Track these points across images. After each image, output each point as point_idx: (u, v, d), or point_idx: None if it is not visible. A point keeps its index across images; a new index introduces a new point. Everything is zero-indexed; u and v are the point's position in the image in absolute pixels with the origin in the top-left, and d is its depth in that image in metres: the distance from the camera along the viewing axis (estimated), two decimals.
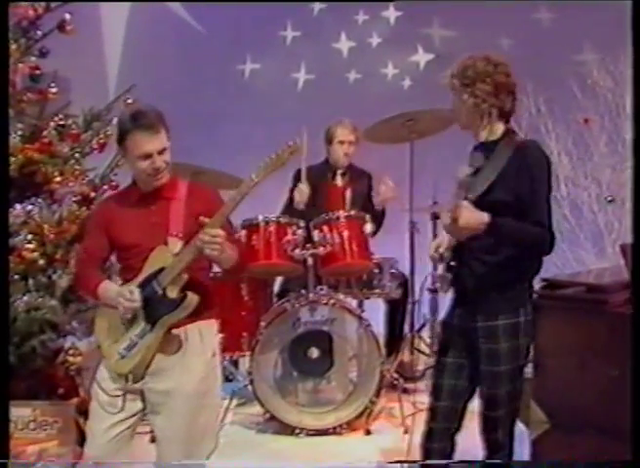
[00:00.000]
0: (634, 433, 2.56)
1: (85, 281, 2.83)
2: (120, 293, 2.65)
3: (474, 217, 2.50)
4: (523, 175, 2.56)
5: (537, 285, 3.49)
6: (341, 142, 4.65)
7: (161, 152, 2.65)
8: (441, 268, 2.69)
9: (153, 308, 2.64)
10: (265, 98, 5.70)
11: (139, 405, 2.73)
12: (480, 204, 2.53)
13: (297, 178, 4.57)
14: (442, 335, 2.83)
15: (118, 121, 2.75)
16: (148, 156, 2.64)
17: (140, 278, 2.68)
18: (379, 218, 4.54)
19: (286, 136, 2.60)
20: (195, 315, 2.68)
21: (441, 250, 2.66)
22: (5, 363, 2.94)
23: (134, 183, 2.79)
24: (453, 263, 2.66)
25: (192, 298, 2.63)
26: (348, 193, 4.62)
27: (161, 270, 2.65)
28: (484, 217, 2.50)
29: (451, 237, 2.61)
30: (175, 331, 2.68)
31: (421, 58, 5.84)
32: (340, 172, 4.72)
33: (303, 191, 4.43)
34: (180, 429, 2.67)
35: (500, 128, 2.66)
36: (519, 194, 2.55)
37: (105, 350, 2.75)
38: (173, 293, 2.62)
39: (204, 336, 2.73)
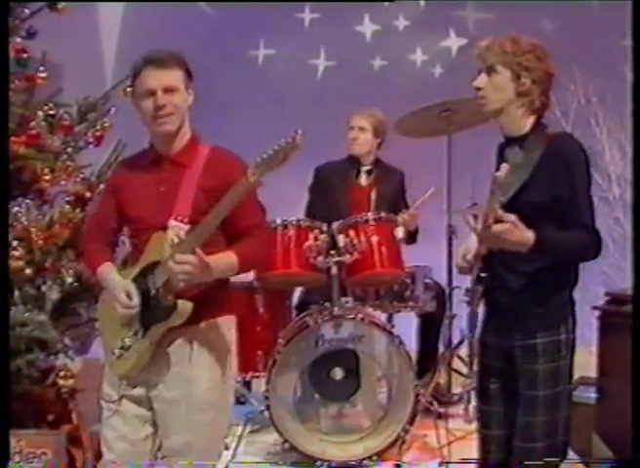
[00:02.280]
0: (634, 433, 2.53)
1: (88, 256, 2.73)
2: (117, 295, 2.52)
3: (521, 238, 2.36)
4: (559, 173, 2.44)
5: (600, 300, 3.33)
6: (351, 128, 4.38)
7: (168, 90, 2.46)
8: (470, 280, 2.54)
9: (147, 311, 2.53)
10: (281, 87, 5.59)
11: (148, 429, 2.60)
12: (513, 206, 2.42)
13: (317, 176, 4.40)
14: (480, 356, 2.69)
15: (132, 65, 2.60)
16: (152, 93, 2.46)
17: (137, 270, 2.54)
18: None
19: (304, 130, 2.34)
20: (199, 319, 2.51)
21: (469, 257, 2.51)
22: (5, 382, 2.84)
23: (151, 144, 2.61)
24: (483, 275, 2.50)
25: (185, 307, 2.45)
26: (374, 194, 4.35)
27: (157, 263, 2.48)
28: (529, 237, 2.37)
29: (481, 244, 2.45)
30: (180, 337, 2.53)
31: (454, 42, 5.69)
32: (364, 169, 4.44)
33: None
34: (188, 439, 2.55)
35: (528, 121, 2.52)
36: (556, 194, 2.43)
37: (105, 342, 2.67)
38: (165, 298, 2.47)
39: (211, 340, 2.56)
